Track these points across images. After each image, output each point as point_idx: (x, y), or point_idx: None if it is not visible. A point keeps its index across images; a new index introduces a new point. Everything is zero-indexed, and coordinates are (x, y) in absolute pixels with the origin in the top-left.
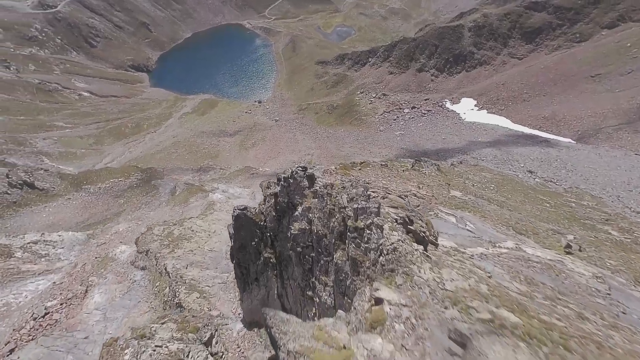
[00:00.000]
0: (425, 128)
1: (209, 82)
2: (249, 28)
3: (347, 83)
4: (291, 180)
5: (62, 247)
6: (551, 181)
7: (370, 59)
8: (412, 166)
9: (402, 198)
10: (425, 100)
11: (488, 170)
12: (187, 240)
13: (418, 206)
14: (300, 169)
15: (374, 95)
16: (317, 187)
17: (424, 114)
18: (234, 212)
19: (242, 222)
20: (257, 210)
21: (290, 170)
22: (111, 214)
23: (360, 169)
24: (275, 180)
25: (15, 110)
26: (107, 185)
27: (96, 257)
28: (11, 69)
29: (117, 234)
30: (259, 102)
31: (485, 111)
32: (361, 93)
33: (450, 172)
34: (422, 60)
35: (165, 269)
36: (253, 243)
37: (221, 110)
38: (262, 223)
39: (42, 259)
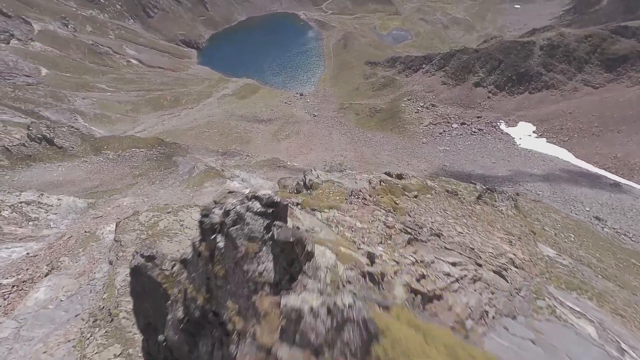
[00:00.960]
0: (473, 148)
1: (255, 67)
2: (303, 19)
3: (395, 87)
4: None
5: (56, 213)
6: (625, 234)
7: (424, 66)
8: (480, 197)
9: (501, 275)
10: (478, 118)
11: (554, 210)
12: (168, 237)
13: (519, 291)
14: (256, 198)
15: (421, 104)
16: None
17: (474, 132)
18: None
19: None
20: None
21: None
22: (122, 185)
23: (416, 197)
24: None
25: (64, 66)
26: (128, 154)
27: (85, 232)
28: (69, 27)
29: (118, 208)
30: (301, 94)
31: (544, 140)
32: (408, 100)
33: (525, 211)
34: (481, 75)
35: (115, 278)
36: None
37: (261, 97)
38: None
39: (30, 223)
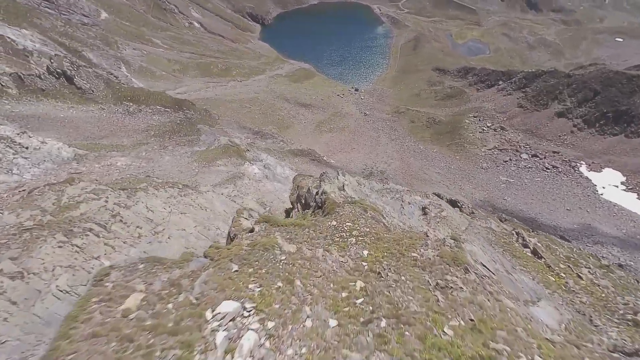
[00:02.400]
0: (543, 187)
1: (314, 54)
2: (376, 13)
3: (461, 100)
4: None
5: (27, 158)
6: None
7: (500, 82)
8: (605, 268)
9: None
10: (554, 153)
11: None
12: (120, 229)
13: None
14: None
15: (488, 124)
16: None
17: (547, 168)
18: None
19: None
20: None
21: None
22: (130, 142)
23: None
24: None
25: (125, 14)
26: (150, 111)
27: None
28: None
29: (107, 168)
30: (356, 89)
31: (635, 195)
32: (474, 117)
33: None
34: (567, 104)
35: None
36: None
37: (314, 85)
38: None
39: None
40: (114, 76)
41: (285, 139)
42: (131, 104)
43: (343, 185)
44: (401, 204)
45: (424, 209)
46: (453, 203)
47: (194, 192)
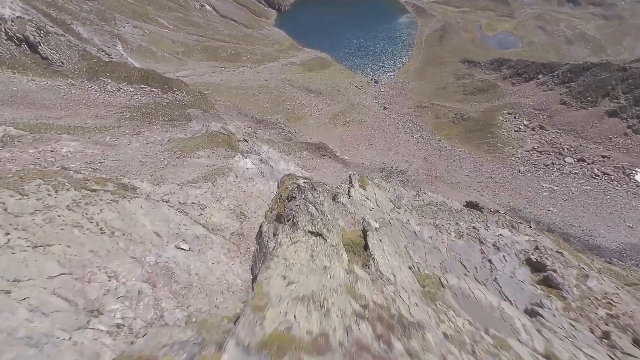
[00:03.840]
0: (595, 197)
1: (332, 42)
2: (401, 1)
3: (494, 95)
4: None
5: None
6: None
7: (540, 76)
8: None
9: None
10: (604, 158)
11: None
12: None
13: None
14: None
15: (526, 123)
16: None
17: (597, 175)
18: None
19: None
20: None
21: None
22: (95, 125)
23: None
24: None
25: None
26: (132, 90)
27: None
28: None
29: (42, 154)
30: (375, 81)
31: None
32: (509, 114)
33: None
34: (622, 102)
35: None
36: None
37: (331, 75)
38: None
39: None
40: (106, 54)
41: (294, 131)
42: (109, 80)
43: (368, 224)
44: (481, 252)
45: (529, 262)
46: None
47: (124, 198)
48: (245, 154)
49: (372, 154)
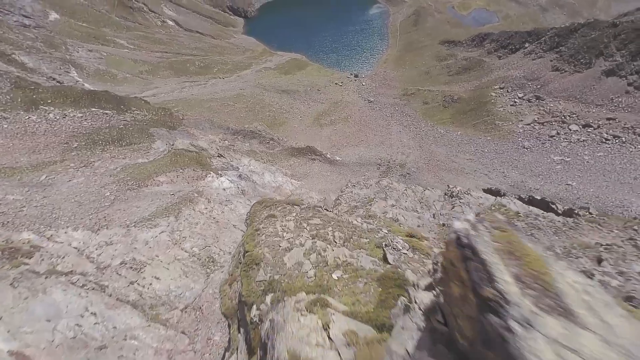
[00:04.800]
0: (611, 163)
1: (306, 43)
2: None
3: (482, 72)
4: None
5: None
6: None
7: (527, 45)
8: None
9: None
10: (609, 120)
11: None
12: None
13: None
14: None
15: (520, 95)
16: None
17: (607, 139)
18: None
19: None
20: None
21: None
22: (29, 163)
23: None
24: None
25: (82, 15)
26: (81, 115)
27: None
28: None
29: None
30: (355, 75)
31: None
32: (500, 89)
33: None
34: (617, 59)
35: None
36: None
37: (308, 75)
38: None
39: None
40: (57, 81)
41: (278, 137)
42: (52, 108)
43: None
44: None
45: None
46: (530, 202)
47: None
48: (220, 172)
49: (365, 151)
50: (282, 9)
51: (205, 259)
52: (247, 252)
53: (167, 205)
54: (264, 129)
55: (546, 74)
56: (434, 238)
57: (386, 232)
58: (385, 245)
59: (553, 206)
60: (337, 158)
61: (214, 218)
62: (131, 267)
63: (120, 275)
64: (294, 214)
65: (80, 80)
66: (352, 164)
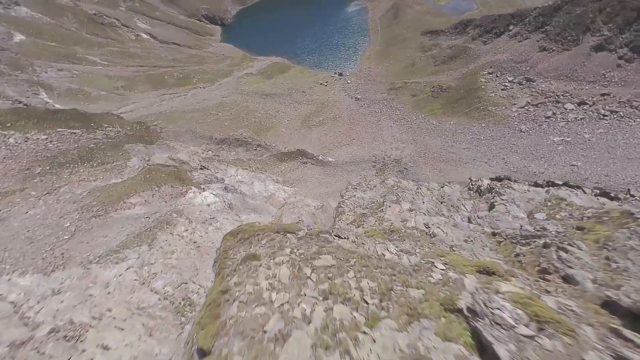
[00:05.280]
0: (614, 139)
1: (286, 46)
2: None
3: (468, 59)
4: None
5: None
6: None
7: (511, 27)
8: None
9: None
10: (604, 95)
11: None
12: None
13: None
14: None
15: (510, 79)
16: None
17: (604, 115)
18: None
19: None
20: None
21: None
22: None
23: None
24: None
25: (50, 34)
26: (46, 137)
27: None
28: None
29: None
30: (340, 74)
31: None
32: (489, 74)
33: None
34: (605, 33)
35: None
36: None
37: (291, 77)
38: None
39: None
40: (24, 104)
41: (266, 143)
42: (12, 132)
43: None
44: None
45: None
46: (551, 187)
47: None
48: (203, 186)
49: (358, 149)
50: (259, 14)
51: (179, 303)
52: (213, 301)
53: (139, 232)
54: (250, 135)
55: (534, 55)
56: (507, 266)
57: (443, 267)
58: (471, 313)
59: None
60: (330, 159)
61: (195, 242)
62: (65, 337)
63: (43, 355)
64: (288, 251)
65: (51, 101)
66: (346, 163)
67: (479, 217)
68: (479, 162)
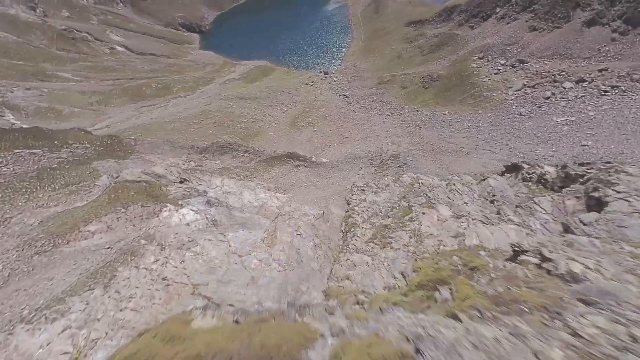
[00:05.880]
0: (621, 114)
1: (267, 48)
2: None
3: (456, 46)
4: None
5: None
6: None
7: (497, 9)
8: None
9: None
10: (601, 71)
11: None
12: None
13: None
14: None
15: (502, 62)
16: None
17: (605, 91)
18: None
19: None
20: None
21: None
22: None
23: None
24: None
25: (16, 53)
26: (0, 160)
27: None
28: (37, 11)
29: None
30: (325, 73)
31: None
32: (480, 59)
33: None
34: (595, 7)
35: None
36: None
37: (275, 79)
38: None
39: None
40: None
41: (253, 148)
42: None
43: None
44: None
45: None
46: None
47: None
48: (181, 202)
49: (352, 147)
50: (238, 19)
51: None
52: None
53: (96, 268)
54: (236, 141)
55: (524, 36)
56: None
57: None
58: None
59: None
60: (324, 160)
61: (165, 279)
62: None
63: None
64: None
65: (18, 122)
66: (341, 163)
67: (584, 224)
68: (482, 151)
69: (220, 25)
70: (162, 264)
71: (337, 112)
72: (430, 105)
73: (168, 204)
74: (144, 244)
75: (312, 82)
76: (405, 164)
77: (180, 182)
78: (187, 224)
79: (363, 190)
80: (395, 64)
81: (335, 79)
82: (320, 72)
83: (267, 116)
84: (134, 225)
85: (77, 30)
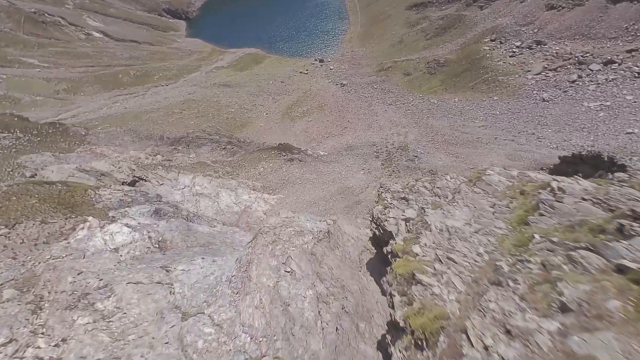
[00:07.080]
0: None
1: (258, 35)
2: None
3: (464, 28)
4: None
5: None
6: None
7: None
8: None
9: None
10: (631, 52)
11: None
12: None
13: None
14: None
15: (518, 44)
16: None
17: (639, 73)
18: None
19: None
20: None
21: None
22: None
23: None
24: None
25: None
26: None
27: None
28: None
29: None
30: (320, 61)
31: None
32: (492, 41)
33: None
34: None
35: None
36: None
37: (267, 68)
38: None
39: None
40: None
41: (238, 139)
42: None
43: None
44: None
45: None
46: None
47: None
48: (113, 213)
49: (353, 139)
50: (227, 5)
51: None
52: None
53: None
54: (217, 130)
55: (541, 15)
56: None
57: None
58: None
59: None
60: (321, 153)
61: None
62: None
63: None
64: None
65: None
66: (342, 156)
67: None
68: (503, 141)
69: (208, 12)
70: (22, 349)
71: (334, 101)
72: (438, 92)
73: (90, 218)
74: (24, 292)
75: (307, 70)
76: (416, 156)
77: (130, 184)
78: (114, 250)
79: (405, 200)
80: (396, 50)
81: (331, 67)
82: (315, 60)
83: (257, 106)
84: (13, 259)
85: (48, 14)
